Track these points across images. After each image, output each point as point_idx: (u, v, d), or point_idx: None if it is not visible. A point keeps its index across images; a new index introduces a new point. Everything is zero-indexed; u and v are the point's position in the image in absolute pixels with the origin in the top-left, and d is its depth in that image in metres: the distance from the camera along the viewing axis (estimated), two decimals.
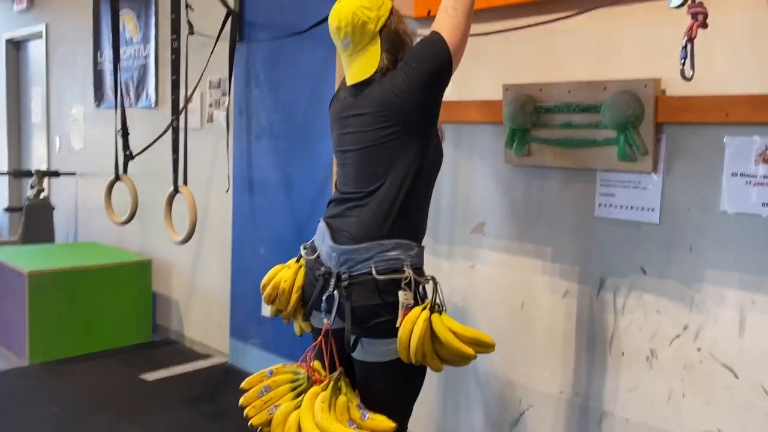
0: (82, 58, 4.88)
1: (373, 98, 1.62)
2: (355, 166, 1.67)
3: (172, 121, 2.56)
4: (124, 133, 2.83)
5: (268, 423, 1.65)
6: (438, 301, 1.61)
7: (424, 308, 1.56)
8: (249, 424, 1.69)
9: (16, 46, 6.04)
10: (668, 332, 1.98)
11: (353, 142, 1.67)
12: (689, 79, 1.52)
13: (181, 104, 2.60)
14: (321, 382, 1.63)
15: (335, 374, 1.61)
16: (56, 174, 4.95)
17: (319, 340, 1.65)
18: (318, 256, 1.70)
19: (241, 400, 1.72)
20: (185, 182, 2.60)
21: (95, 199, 4.83)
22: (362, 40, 1.59)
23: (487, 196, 2.41)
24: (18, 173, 4.92)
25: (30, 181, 4.85)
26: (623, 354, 2.09)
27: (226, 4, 3.36)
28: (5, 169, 5.60)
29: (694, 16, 1.50)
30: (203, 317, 3.92)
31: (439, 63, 1.59)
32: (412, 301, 1.57)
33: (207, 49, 3.30)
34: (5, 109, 5.97)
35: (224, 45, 3.41)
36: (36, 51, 5.73)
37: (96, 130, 4.78)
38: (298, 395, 1.65)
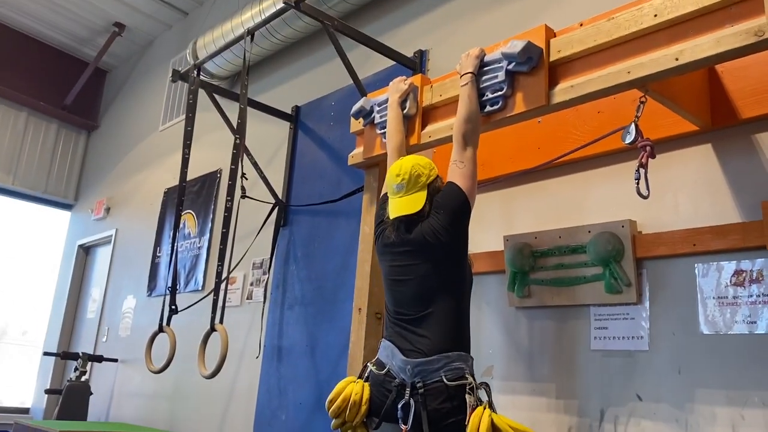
0: (142, 255, 5.45)
1: (417, 237, 2.01)
2: (410, 291, 2.01)
3: (218, 266, 2.92)
4: (173, 289, 3.17)
5: None
6: (492, 401, 1.87)
7: (485, 408, 1.82)
8: None
9: (86, 251, 6.74)
10: None
11: (405, 273, 2.03)
12: (645, 197, 1.83)
13: (227, 255, 2.97)
14: None
15: None
16: (100, 359, 5.22)
17: None
18: (388, 371, 1.96)
19: None
20: (221, 320, 2.86)
21: (132, 383, 5.03)
22: (413, 188, 2.03)
23: (495, 340, 2.60)
24: (66, 355, 5.22)
25: (75, 363, 5.12)
26: None
27: (275, 196, 3.93)
28: (55, 350, 5.94)
29: (644, 147, 1.85)
30: None
31: (459, 205, 2.01)
32: (474, 402, 1.83)
33: (253, 236, 3.82)
34: (65, 304, 6.47)
35: (270, 230, 3.91)
36: (102, 254, 6.38)
37: (144, 318, 5.15)
38: None
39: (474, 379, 1.88)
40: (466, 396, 1.83)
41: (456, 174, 2.04)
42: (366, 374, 2.03)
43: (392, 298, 2.07)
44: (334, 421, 2.04)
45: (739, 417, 1.90)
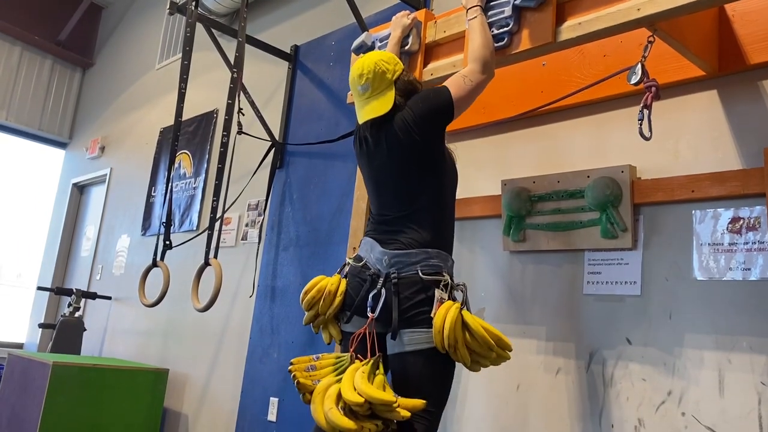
0: (137, 194, 5.42)
1: (390, 135, 1.95)
2: (390, 192, 1.98)
3: (213, 202, 2.89)
4: (168, 223, 3.15)
5: (310, 391, 1.78)
6: (468, 302, 1.89)
7: (455, 304, 1.80)
8: (296, 382, 1.82)
9: (80, 190, 6.70)
10: (654, 399, 2.05)
11: (383, 173, 1.99)
12: (648, 139, 1.81)
13: (223, 188, 2.95)
14: (359, 361, 1.79)
15: (375, 357, 1.78)
16: (93, 296, 5.24)
17: (363, 329, 1.84)
18: (365, 264, 1.95)
19: (290, 368, 1.87)
20: (216, 256, 2.86)
21: (126, 321, 5.07)
22: (380, 86, 1.96)
23: (487, 283, 2.61)
24: (60, 290, 5.25)
25: (69, 299, 5.14)
26: (612, 426, 2.13)
27: (272, 136, 3.88)
28: (49, 286, 5.96)
29: (648, 88, 1.82)
30: (208, 430, 3.92)
31: (442, 104, 1.92)
32: (446, 297, 1.82)
33: (249, 177, 3.79)
34: (59, 242, 6.47)
35: (266, 172, 3.89)
36: (97, 193, 6.35)
37: (138, 257, 5.15)
38: (340, 374, 1.78)
39: (451, 279, 1.87)
40: (436, 290, 1.80)
41: (455, 83, 1.95)
42: (345, 271, 2.03)
43: (374, 201, 2.05)
44: (306, 314, 2.02)
45: (726, 361, 1.92)
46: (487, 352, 1.81)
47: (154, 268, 3.14)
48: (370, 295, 1.86)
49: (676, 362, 2.02)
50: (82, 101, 7.08)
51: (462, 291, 1.89)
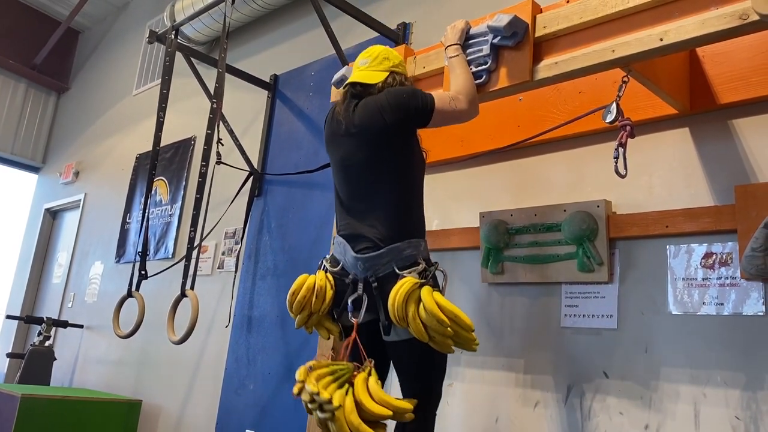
0: (111, 220, 5.36)
1: (363, 116, 1.98)
2: (356, 179, 2.00)
3: (191, 232, 2.87)
4: (143, 253, 3.12)
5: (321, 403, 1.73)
6: (439, 282, 1.91)
7: (414, 280, 1.81)
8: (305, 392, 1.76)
9: (53, 215, 6.60)
10: None
11: (351, 159, 2.00)
12: (623, 176, 1.84)
13: (200, 222, 2.93)
14: (360, 370, 1.82)
15: (371, 363, 1.83)
16: (65, 325, 5.13)
17: (353, 336, 1.86)
18: (342, 267, 1.97)
19: (297, 386, 1.79)
20: (192, 286, 2.83)
21: (98, 350, 4.97)
22: (378, 66, 2.06)
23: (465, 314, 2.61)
24: (30, 319, 5.13)
25: (39, 328, 5.03)
26: None
27: (250, 165, 3.88)
28: (18, 314, 5.83)
29: (623, 127, 1.86)
30: None
31: (422, 106, 1.95)
32: (417, 278, 1.83)
33: (227, 205, 3.77)
34: (30, 268, 6.34)
35: (244, 200, 3.87)
36: (70, 219, 6.26)
37: (111, 284, 5.07)
38: (341, 385, 1.77)
39: (426, 262, 1.88)
40: (409, 275, 1.82)
41: (441, 98, 1.96)
42: (326, 267, 2.02)
43: (341, 188, 2.06)
44: (298, 317, 1.99)
45: (701, 395, 1.94)
46: (440, 328, 1.76)
47: (129, 299, 3.09)
48: (350, 300, 1.90)
49: (653, 396, 2.04)
50: (56, 126, 7.00)
51: (441, 270, 1.92)
